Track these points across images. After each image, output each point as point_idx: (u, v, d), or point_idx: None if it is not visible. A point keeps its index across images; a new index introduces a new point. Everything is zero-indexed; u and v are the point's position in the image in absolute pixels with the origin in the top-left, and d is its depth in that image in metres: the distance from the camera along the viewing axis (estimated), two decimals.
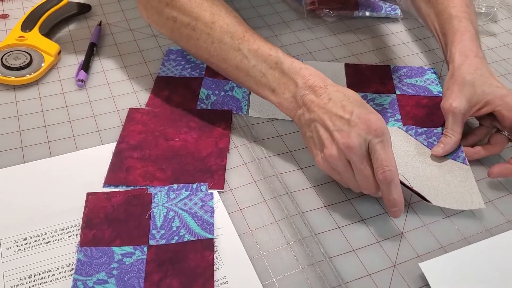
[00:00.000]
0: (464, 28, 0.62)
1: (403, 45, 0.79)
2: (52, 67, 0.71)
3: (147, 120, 0.64)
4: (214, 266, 0.49)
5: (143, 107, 0.66)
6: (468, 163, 0.59)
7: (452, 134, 0.59)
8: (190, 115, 0.65)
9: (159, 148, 0.60)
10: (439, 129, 0.64)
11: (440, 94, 0.70)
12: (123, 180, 0.56)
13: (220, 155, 0.60)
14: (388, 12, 0.84)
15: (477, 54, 0.61)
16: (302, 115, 0.53)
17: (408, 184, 0.56)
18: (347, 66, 0.74)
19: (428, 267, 0.50)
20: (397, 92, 0.70)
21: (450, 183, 0.58)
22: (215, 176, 0.57)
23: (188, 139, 0.61)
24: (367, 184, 0.52)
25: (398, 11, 0.85)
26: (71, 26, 0.79)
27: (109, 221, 0.52)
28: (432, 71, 0.74)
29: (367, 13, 0.84)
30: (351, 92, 0.53)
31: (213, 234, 0.52)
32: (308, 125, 0.53)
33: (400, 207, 0.51)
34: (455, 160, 0.60)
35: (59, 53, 0.72)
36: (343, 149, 0.50)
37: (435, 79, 0.72)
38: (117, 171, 0.57)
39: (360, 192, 0.54)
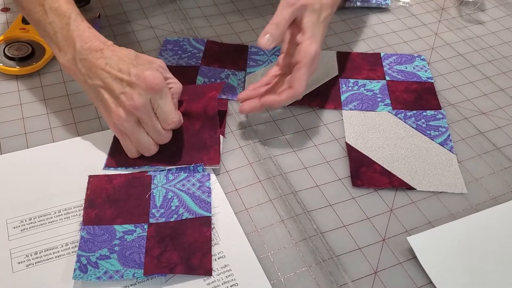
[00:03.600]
0: None
1: (393, 34, 0.82)
2: (53, 58, 0.73)
3: None
4: (212, 242, 0.51)
5: None
6: (454, 152, 0.62)
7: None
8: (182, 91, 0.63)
9: None
10: (428, 112, 0.67)
11: (429, 80, 0.72)
12: (123, 162, 0.58)
13: (212, 126, 0.61)
14: (379, 2, 0.87)
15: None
16: (85, 81, 0.55)
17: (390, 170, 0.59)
18: (339, 54, 0.77)
19: (415, 241, 0.52)
20: (387, 78, 0.72)
21: (437, 165, 0.60)
22: (210, 151, 0.59)
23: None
24: (159, 136, 0.56)
25: (388, 1, 0.87)
26: None
27: (110, 201, 0.54)
28: (421, 58, 0.76)
29: (358, 3, 0.86)
30: (125, 52, 0.55)
31: (210, 212, 0.54)
32: (94, 90, 0.55)
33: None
34: (443, 146, 0.63)
35: None
36: (131, 110, 0.53)
37: (424, 66, 0.75)
38: (116, 154, 0.59)
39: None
